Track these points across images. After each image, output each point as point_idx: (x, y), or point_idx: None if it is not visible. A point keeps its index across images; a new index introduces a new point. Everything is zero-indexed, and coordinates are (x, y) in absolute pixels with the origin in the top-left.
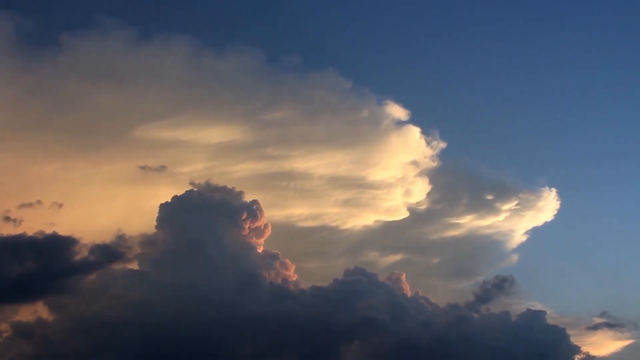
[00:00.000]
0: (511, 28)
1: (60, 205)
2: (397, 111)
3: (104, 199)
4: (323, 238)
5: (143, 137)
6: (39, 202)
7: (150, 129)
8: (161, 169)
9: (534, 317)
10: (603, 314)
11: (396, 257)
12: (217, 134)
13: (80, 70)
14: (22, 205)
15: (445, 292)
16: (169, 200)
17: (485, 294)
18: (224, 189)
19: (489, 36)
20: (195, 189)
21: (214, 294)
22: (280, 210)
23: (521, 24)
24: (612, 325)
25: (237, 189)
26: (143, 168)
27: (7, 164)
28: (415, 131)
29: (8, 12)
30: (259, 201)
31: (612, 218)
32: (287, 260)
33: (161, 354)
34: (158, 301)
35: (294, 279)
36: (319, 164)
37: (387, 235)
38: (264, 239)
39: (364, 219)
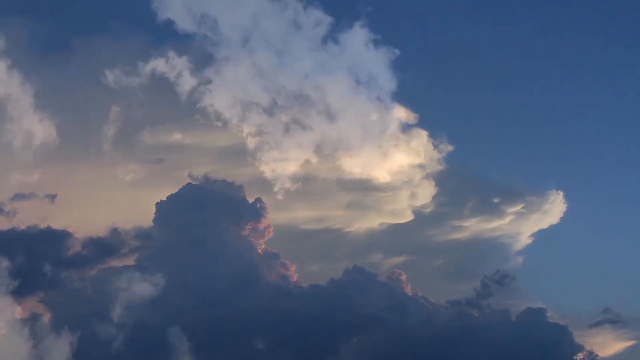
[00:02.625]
0: (518, 33)
1: (55, 196)
2: (405, 114)
3: (103, 197)
4: (327, 240)
5: (149, 140)
6: (33, 194)
7: (157, 131)
8: (164, 171)
9: (534, 315)
10: (605, 310)
11: (400, 259)
12: (222, 136)
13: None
14: (16, 197)
15: (448, 294)
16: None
17: (486, 290)
18: (222, 182)
19: (497, 40)
20: (194, 183)
21: (213, 292)
22: (284, 213)
23: (529, 29)
24: (615, 321)
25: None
26: (144, 168)
27: None
28: (422, 134)
29: (22, 17)
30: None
31: (619, 221)
32: (287, 261)
33: (158, 350)
34: (155, 297)
35: (294, 278)
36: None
37: (391, 237)
38: (264, 239)
39: (368, 222)
